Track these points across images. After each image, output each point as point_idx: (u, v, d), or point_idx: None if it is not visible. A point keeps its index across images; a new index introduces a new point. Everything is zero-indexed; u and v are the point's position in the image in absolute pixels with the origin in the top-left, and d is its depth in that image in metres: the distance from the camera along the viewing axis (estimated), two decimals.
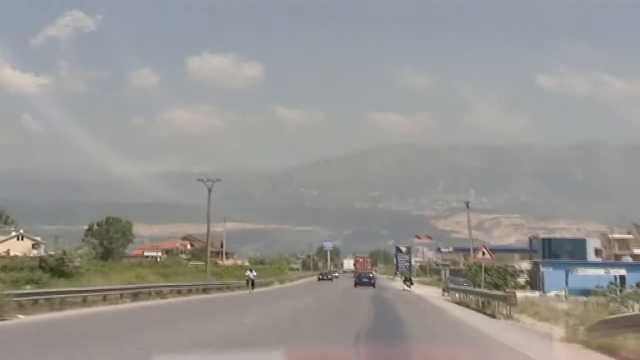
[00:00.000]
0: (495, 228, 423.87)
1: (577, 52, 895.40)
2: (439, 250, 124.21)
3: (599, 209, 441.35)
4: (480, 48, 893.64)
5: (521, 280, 70.27)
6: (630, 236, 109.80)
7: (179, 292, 44.96)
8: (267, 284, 75.51)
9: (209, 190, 70.34)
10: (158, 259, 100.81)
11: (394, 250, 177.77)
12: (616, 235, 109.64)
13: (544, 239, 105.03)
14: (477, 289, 43.59)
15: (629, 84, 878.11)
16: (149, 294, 39.13)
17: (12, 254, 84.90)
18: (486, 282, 58.02)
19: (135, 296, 36.94)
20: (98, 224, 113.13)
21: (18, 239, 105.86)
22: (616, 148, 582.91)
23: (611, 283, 55.26)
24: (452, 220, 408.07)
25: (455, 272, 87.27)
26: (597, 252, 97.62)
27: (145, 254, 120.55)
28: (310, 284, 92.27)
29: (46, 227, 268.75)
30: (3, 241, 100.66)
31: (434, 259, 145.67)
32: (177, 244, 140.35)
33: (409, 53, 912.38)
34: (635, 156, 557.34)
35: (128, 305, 33.56)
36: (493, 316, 30.85)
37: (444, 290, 60.71)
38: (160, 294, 40.67)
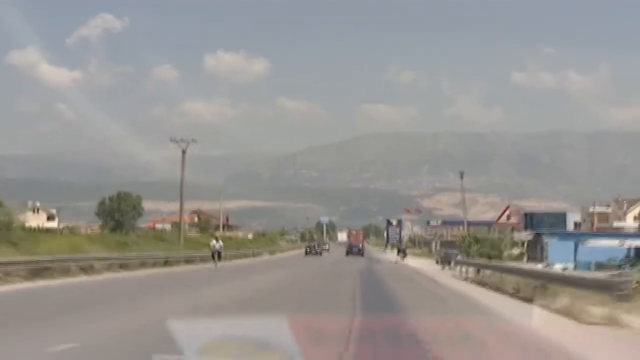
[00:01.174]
0: (473, 206, 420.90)
1: (546, 50, 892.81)
2: (428, 223, 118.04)
3: (564, 189, 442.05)
4: (461, 47, 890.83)
5: (515, 251, 62.01)
6: (609, 210, 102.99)
7: (123, 267, 32.55)
8: (254, 255, 67.02)
9: (183, 152, 60.61)
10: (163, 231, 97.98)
11: (384, 225, 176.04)
12: (597, 209, 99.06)
13: (525, 213, 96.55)
14: (512, 265, 32.80)
15: (589, 79, 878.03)
16: (68, 269, 26.84)
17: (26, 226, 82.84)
18: (479, 253, 52.98)
19: (37, 273, 24.49)
20: (110, 199, 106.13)
21: (34, 212, 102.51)
22: (579, 136, 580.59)
23: (625, 256, 47.73)
24: (434, 199, 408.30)
25: (445, 244, 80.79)
26: (577, 225, 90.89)
27: (157, 226, 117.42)
28: (299, 255, 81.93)
29: (80, 203, 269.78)
30: (18, 214, 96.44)
31: (421, 233, 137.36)
32: (186, 217, 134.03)
33: (397, 51, 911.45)
34: (596, 143, 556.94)
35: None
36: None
37: (437, 262, 55.21)
38: (88, 270, 28.44)
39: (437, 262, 55.14)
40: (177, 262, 42.10)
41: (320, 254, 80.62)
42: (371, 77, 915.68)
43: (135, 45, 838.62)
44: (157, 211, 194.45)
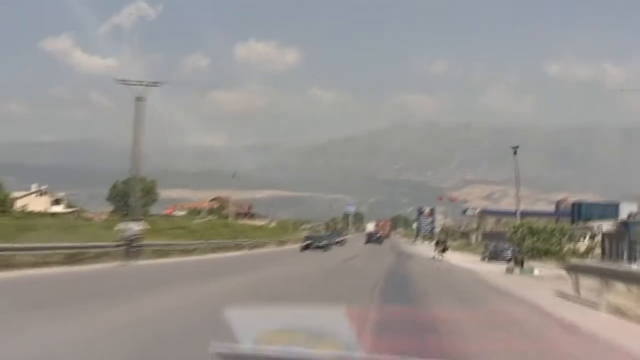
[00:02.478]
0: (504, 198, 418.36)
1: (581, 40, 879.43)
2: (464, 212, 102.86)
3: (597, 182, 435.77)
4: (493, 38, 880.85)
5: (581, 245, 49.36)
6: None
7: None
8: (250, 247, 53.33)
9: (137, 99, 46.10)
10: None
11: (413, 216, 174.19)
12: None
13: (573, 204, 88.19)
14: None
15: (625, 70, 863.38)
16: None
17: (30, 209, 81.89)
18: (535, 247, 46.36)
19: None
20: (124, 182, 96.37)
21: (39, 195, 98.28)
22: (613, 128, 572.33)
23: None
24: (464, 191, 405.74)
25: (489, 237, 72.96)
26: (630, 216, 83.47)
27: (175, 213, 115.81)
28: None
29: (105, 190, 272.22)
30: (21, 197, 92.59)
31: (452, 224, 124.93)
32: (205, 204, 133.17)
33: (430, 40, 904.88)
34: (629, 137, 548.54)
35: None
36: None
37: (483, 258, 46.56)
38: None
39: (483, 258, 46.73)
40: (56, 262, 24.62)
41: (325, 248, 54.57)
42: (402, 67, 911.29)
43: (167, 33, 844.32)
44: (186, 199, 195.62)
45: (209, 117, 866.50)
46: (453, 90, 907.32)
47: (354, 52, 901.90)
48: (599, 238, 49.25)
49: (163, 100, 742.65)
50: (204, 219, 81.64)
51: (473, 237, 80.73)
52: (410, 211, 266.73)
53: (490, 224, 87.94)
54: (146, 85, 47.17)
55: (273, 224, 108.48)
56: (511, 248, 44.81)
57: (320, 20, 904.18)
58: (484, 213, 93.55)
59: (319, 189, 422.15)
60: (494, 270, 32.96)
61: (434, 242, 56.99)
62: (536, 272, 30.87)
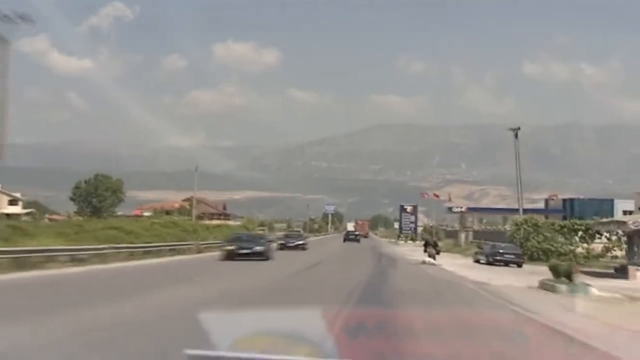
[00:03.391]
0: (484, 198, 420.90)
1: (558, 41, 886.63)
2: (450, 209, 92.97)
3: (576, 182, 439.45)
4: (472, 39, 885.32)
5: (597, 245, 41.97)
6: None
7: None
8: (198, 250, 43.14)
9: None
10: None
11: (393, 216, 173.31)
12: None
13: (565, 200, 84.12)
14: None
15: (602, 71, 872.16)
16: None
17: None
18: (540, 248, 41.06)
19: None
20: (86, 182, 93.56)
21: None
22: (591, 128, 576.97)
23: None
24: (445, 190, 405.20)
25: (481, 236, 67.91)
26: (625, 214, 69.71)
27: (145, 214, 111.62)
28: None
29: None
30: None
31: (432, 223, 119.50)
32: (177, 205, 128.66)
33: (408, 41, 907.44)
34: (608, 135, 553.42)
35: None
36: None
37: (478, 261, 40.97)
38: None
39: (476, 261, 41.22)
40: None
41: (267, 257, 36.22)
42: (381, 68, 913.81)
43: (144, 34, 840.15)
44: (163, 199, 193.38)
45: (188, 118, 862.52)
46: (431, 91, 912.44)
47: (332, 53, 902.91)
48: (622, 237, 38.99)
49: (141, 102, 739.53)
50: (158, 220, 70.78)
51: (462, 237, 73.10)
52: (390, 211, 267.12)
53: (471, 223, 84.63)
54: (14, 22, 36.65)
55: (238, 223, 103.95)
56: (514, 249, 39.51)
57: (298, 21, 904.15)
58: (471, 211, 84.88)
59: (298, 190, 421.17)
60: (513, 285, 23.54)
61: (422, 243, 46.07)
62: (594, 291, 20.14)
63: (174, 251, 40.06)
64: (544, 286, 21.87)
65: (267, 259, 35.38)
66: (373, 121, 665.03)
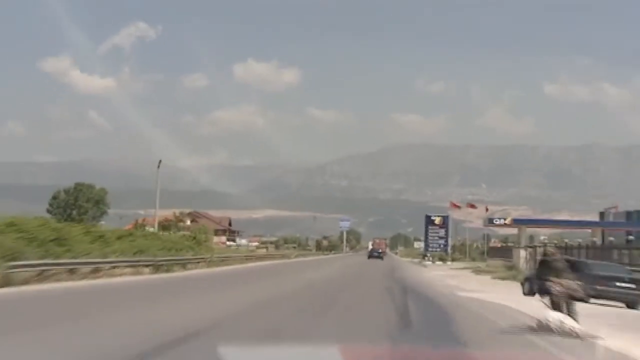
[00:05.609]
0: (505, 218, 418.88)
1: (579, 62, 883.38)
2: (490, 221, 76.41)
3: (597, 203, 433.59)
4: (492, 58, 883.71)
5: None
6: None
7: None
8: (162, 268, 32.24)
9: None
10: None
11: (414, 234, 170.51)
12: None
13: (628, 212, 71.57)
14: None
15: (624, 91, 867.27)
16: None
17: None
18: None
19: None
20: (65, 192, 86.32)
21: None
22: (612, 148, 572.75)
23: None
24: (465, 211, 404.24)
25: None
26: None
27: (149, 229, 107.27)
28: (263, 270, 43.33)
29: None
30: None
31: (460, 239, 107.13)
32: (170, 217, 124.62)
33: (428, 61, 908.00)
34: (629, 156, 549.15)
35: None
36: None
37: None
38: None
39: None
40: None
41: None
42: (401, 87, 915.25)
43: (167, 53, 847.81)
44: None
45: (208, 137, 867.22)
46: (451, 111, 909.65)
47: (352, 72, 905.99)
48: None
49: (162, 121, 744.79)
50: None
51: (522, 256, 50.52)
52: (410, 231, 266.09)
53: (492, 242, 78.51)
54: None
55: (254, 245, 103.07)
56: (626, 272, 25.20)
57: (318, 40, 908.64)
58: (518, 222, 66.20)
59: (318, 209, 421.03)
60: None
61: (432, 260, 34.85)
62: None
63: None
64: None
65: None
66: (393, 140, 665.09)
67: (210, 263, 41.70)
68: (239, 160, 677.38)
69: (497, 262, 59.75)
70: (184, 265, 37.06)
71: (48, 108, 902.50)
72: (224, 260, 46.50)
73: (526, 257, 50.29)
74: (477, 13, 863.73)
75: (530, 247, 52.67)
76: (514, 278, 37.20)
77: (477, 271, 53.86)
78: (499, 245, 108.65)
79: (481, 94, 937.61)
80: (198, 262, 39.96)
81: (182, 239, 45.74)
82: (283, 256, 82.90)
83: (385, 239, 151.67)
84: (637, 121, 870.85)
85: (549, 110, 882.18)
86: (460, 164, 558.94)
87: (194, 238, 47.27)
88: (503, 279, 40.60)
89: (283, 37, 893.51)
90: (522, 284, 26.87)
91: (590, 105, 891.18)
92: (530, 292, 22.67)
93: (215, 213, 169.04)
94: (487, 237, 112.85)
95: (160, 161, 57.14)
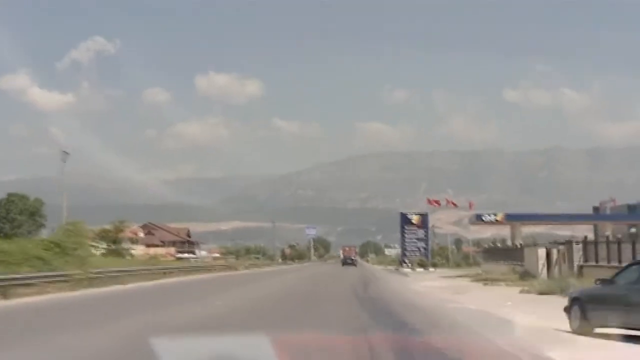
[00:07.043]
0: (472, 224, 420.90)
1: (539, 68, 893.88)
2: (478, 218, 69.50)
3: (563, 205, 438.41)
4: (455, 65, 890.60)
5: None
6: None
7: None
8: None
9: None
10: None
11: (383, 242, 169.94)
12: None
13: (630, 205, 67.94)
14: None
15: (585, 96, 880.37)
16: None
17: None
18: None
19: None
20: None
21: None
22: (576, 151, 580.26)
23: None
24: (433, 217, 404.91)
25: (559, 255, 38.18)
26: None
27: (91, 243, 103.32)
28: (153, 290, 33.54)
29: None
30: None
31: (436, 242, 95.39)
32: (129, 233, 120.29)
33: (391, 69, 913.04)
34: (593, 158, 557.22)
35: None
36: None
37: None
38: None
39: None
40: None
41: None
42: (365, 96, 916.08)
43: (126, 68, 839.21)
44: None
45: (173, 151, 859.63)
46: (416, 118, 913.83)
47: (315, 82, 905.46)
48: None
49: (123, 136, 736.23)
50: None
51: (539, 258, 39.27)
52: (379, 239, 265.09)
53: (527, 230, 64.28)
54: None
55: (216, 255, 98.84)
56: None
57: (279, 51, 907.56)
58: (511, 218, 61.20)
59: (286, 219, 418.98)
60: None
61: (452, 275, 26.25)
62: None
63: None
64: None
65: None
66: (359, 149, 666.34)
67: (80, 282, 30.77)
68: (205, 173, 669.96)
69: (500, 268, 48.78)
70: (28, 286, 26.67)
71: (8, 126, 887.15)
72: (115, 277, 36.03)
73: (545, 261, 38.63)
74: (438, 20, 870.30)
75: (561, 244, 39.86)
76: (561, 292, 24.46)
77: (479, 279, 42.35)
78: (475, 249, 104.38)
79: (445, 100, 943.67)
80: (55, 282, 29.04)
81: (38, 246, 34.86)
82: (228, 267, 71.98)
83: (354, 247, 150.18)
84: (598, 124, 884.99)
85: (512, 116, 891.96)
86: (426, 171, 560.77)
87: (58, 246, 35.54)
88: (540, 292, 27.53)
89: (242, 48, 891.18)
90: (568, 310, 15.41)
91: (552, 109, 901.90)
92: (586, 325, 14.31)
93: (180, 225, 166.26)
94: (458, 242, 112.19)
95: (66, 153, 50.07)
